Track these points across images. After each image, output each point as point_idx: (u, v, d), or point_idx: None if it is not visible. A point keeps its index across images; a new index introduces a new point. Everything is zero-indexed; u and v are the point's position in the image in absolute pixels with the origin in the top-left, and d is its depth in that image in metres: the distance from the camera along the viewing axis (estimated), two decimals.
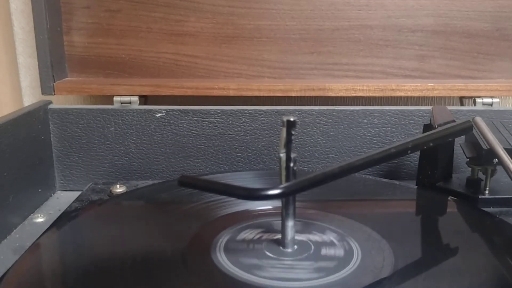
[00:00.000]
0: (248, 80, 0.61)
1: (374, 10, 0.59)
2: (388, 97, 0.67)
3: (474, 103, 0.59)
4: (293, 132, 0.32)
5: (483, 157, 0.43)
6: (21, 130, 0.49)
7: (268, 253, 0.34)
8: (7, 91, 0.68)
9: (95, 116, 0.56)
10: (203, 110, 0.56)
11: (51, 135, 0.56)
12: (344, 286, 0.30)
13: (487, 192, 0.45)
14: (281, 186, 0.30)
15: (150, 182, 0.52)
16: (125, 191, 0.49)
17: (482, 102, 0.58)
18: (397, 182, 0.49)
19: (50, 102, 0.56)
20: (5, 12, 0.65)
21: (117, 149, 0.56)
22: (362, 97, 0.67)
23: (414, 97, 0.67)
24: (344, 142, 0.56)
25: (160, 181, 0.54)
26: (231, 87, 0.58)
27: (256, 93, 0.58)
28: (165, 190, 0.46)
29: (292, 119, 0.31)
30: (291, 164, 0.32)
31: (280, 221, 0.34)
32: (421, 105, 0.67)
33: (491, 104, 0.58)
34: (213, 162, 0.57)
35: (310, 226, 0.38)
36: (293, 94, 0.58)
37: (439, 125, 0.43)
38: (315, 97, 0.67)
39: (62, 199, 0.54)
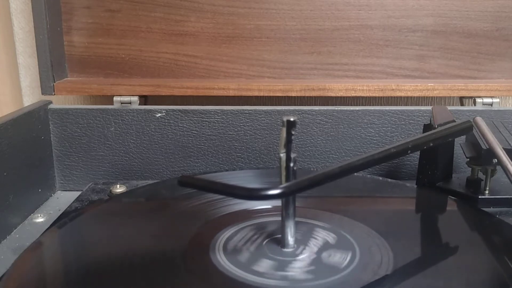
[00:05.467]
0: (248, 80, 0.61)
1: (374, 10, 0.59)
2: (388, 97, 0.67)
3: (474, 103, 0.59)
4: (293, 132, 0.32)
5: (483, 157, 0.43)
6: (21, 130, 0.49)
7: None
8: (7, 91, 0.68)
9: (95, 116, 0.56)
10: (203, 110, 0.56)
11: (51, 135, 0.56)
12: (343, 285, 0.30)
13: (487, 192, 0.45)
14: (281, 186, 0.30)
15: (150, 182, 0.52)
16: (125, 191, 0.49)
17: (482, 102, 0.58)
18: (396, 181, 0.49)
19: (50, 102, 0.56)
20: (5, 12, 0.65)
21: (117, 149, 0.56)
22: (362, 97, 0.67)
23: (414, 97, 0.67)
24: (344, 142, 0.56)
25: (160, 181, 0.54)
26: (231, 87, 0.58)
27: (256, 93, 0.58)
28: (165, 190, 0.46)
29: (292, 119, 0.31)
30: (291, 164, 0.32)
31: (280, 221, 0.34)
32: (421, 105, 0.67)
33: (491, 104, 0.58)
34: (213, 162, 0.57)
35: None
36: (293, 94, 0.58)
37: (439, 125, 0.43)
38: (315, 97, 0.67)
39: (62, 199, 0.54)
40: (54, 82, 0.58)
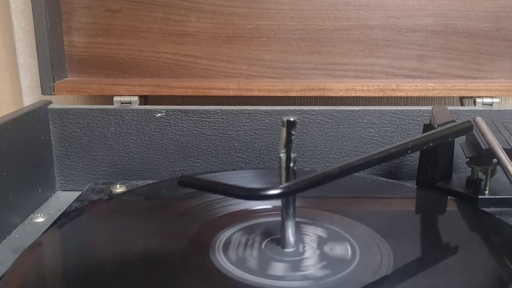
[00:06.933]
0: (248, 80, 0.61)
1: (374, 10, 0.59)
2: (388, 97, 0.67)
3: (474, 103, 0.59)
4: (293, 132, 0.32)
5: (483, 157, 0.43)
6: (21, 130, 0.49)
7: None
8: (7, 91, 0.68)
9: (95, 116, 0.56)
10: (203, 110, 0.56)
11: (51, 135, 0.56)
12: (343, 285, 0.30)
13: (487, 192, 0.45)
14: (281, 186, 0.30)
15: (150, 182, 0.52)
16: (125, 191, 0.49)
17: (482, 102, 0.58)
18: (397, 181, 0.49)
19: (50, 102, 0.56)
20: (5, 12, 0.65)
21: (117, 149, 0.56)
22: (362, 97, 0.67)
23: (414, 97, 0.67)
24: (344, 142, 0.56)
25: (160, 180, 0.54)
26: (231, 87, 0.58)
27: (256, 93, 0.58)
28: (165, 190, 0.46)
29: (292, 119, 0.31)
30: (291, 164, 0.32)
31: (280, 221, 0.34)
32: (421, 105, 0.67)
33: (491, 104, 0.58)
34: (213, 162, 0.57)
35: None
36: (293, 94, 0.58)
37: (439, 125, 0.43)
38: (315, 97, 0.67)
39: (62, 199, 0.54)
40: (54, 82, 0.58)
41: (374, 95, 0.58)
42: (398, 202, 0.46)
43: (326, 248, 0.34)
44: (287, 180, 0.32)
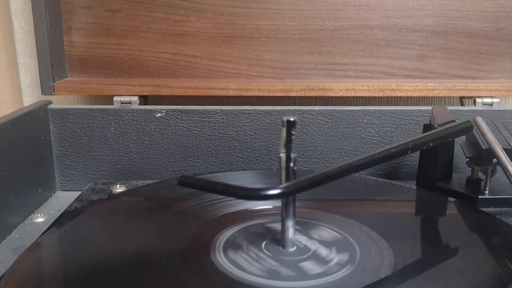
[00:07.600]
0: (248, 80, 0.61)
1: (374, 10, 0.59)
2: (388, 97, 0.67)
3: (474, 103, 0.59)
4: (293, 132, 0.32)
5: (483, 157, 0.43)
6: (21, 130, 0.49)
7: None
8: (7, 91, 0.68)
9: (95, 116, 0.56)
10: (203, 110, 0.56)
11: (51, 135, 0.56)
12: (343, 286, 0.30)
13: (487, 192, 0.45)
14: (281, 186, 0.30)
15: (150, 182, 0.52)
16: (125, 191, 0.49)
17: (482, 102, 0.58)
18: (397, 183, 0.49)
19: (50, 102, 0.56)
20: (5, 12, 0.65)
21: (117, 149, 0.56)
22: (362, 97, 0.67)
23: (414, 97, 0.67)
24: (344, 142, 0.56)
25: (160, 181, 0.54)
26: (231, 87, 0.58)
27: (256, 93, 0.58)
28: (165, 190, 0.46)
29: (292, 119, 0.31)
30: (291, 164, 0.32)
31: (280, 221, 0.34)
32: (421, 105, 0.67)
33: (491, 104, 0.58)
34: (213, 162, 0.57)
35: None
36: (293, 94, 0.58)
37: (439, 125, 0.43)
38: (315, 97, 0.67)
39: (62, 199, 0.54)
40: (54, 82, 0.58)
41: (374, 95, 0.58)
42: (399, 202, 0.46)
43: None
44: (287, 180, 0.32)
